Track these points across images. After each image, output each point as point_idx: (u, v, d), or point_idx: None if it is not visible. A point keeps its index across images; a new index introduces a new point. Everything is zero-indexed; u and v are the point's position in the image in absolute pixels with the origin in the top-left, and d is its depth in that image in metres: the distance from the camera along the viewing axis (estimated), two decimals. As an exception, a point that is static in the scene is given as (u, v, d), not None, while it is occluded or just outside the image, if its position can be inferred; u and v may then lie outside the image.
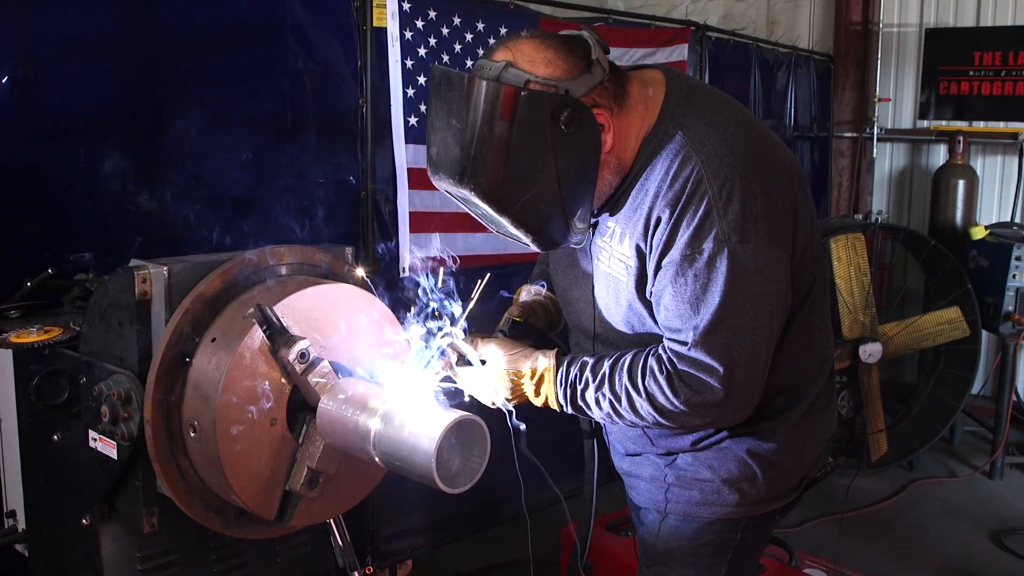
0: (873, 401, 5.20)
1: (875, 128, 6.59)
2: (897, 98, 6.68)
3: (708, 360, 1.70)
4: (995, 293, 5.27)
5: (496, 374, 1.91)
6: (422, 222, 3.67)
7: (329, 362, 1.91)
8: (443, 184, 1.76)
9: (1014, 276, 5.20)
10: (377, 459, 1.78)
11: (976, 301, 5.22)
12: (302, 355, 1.86)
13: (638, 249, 1.79)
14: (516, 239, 1.80)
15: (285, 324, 1.85)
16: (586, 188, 1.76)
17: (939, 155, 6.48)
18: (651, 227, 1.76)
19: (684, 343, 1.72)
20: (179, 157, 3.07)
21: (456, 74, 1.69)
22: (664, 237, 1.74)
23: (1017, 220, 6.07)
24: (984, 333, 5.36)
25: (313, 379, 1.88)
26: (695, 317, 1.71)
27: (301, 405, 1.92)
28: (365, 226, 3.58)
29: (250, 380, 1.84)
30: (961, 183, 6.08)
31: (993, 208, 6.35)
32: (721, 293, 1.69)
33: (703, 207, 1.70)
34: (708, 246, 1.69)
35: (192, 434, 1.86)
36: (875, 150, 6.66)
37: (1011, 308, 5.22)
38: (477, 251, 3.85)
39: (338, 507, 2.04)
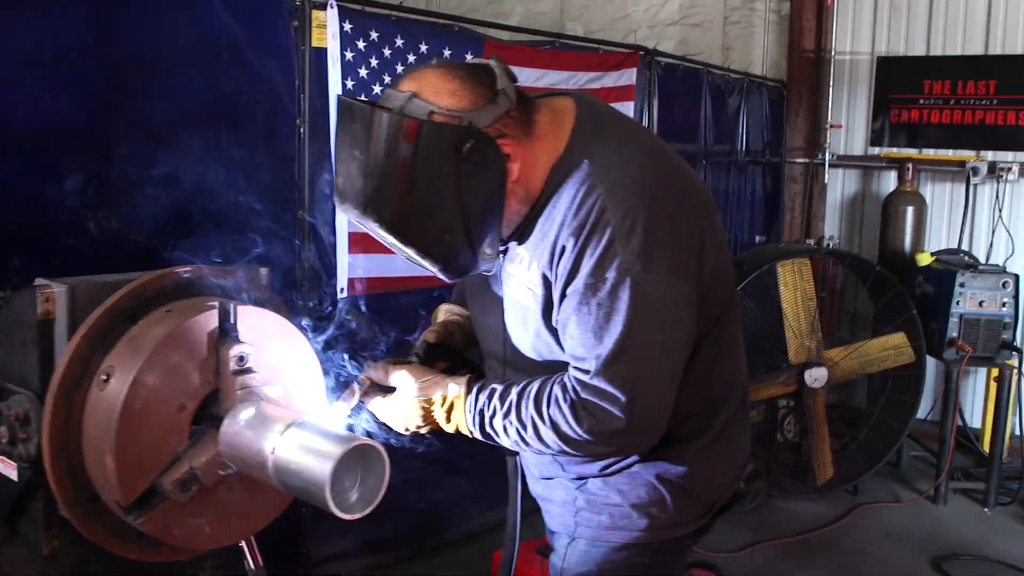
0: (819, 426, 5.22)
1: (827, 154, 6.64)
2: (849, 125, 6.74)
3: (610, 389, 1.70)
4: (940, 319, 5.32)
5: (407, 402, 1.90)
6: (362, 242, 3.66)
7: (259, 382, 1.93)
8: (349, 214, 1.75)
9: (957, 303, 5.25)
10: (274, 480, 1.76)
11: (921, 327, 5.26)
12: (241, 358, 1.89)
13: (544, 277, 1.79)
14: (425, 268, 1.80)
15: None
16: (492, 218, 1.76)
17: (890, 181, 6.54)
18: (556, 255, 1.76)
19: (587, 371, 1.72)
20: (124, 176, 3.05)
21: (359, 105, 1.69)
22: (568, 266, 1.74)
23: (964, 247, 6.14)
24: (930, 359, 5.41)
25: (239, 386, 1.88)
26: (598, 346, 1.71)
27: (213, 410, 1.91)
28: (302, 246, 3.56)
29: (184, 356, 1.85)
30: (910, 209, 6.15)
31: (942, 234, 6.41)
32: (623, 322, 1.69)
33: (606, 236, 1.70)
34: (611, 275, 1.69)
35: (103, 380, 1.84)
36: (827, 176, 6.72)
37: (955, 334, 5.26)
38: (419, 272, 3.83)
39: (237, 532, 2.01)
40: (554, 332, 1.82)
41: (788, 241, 6.72)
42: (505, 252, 1.89)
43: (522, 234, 1.84)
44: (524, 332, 1.88)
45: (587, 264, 1.71)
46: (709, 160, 5.94)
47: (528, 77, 4.31)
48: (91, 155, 3.01)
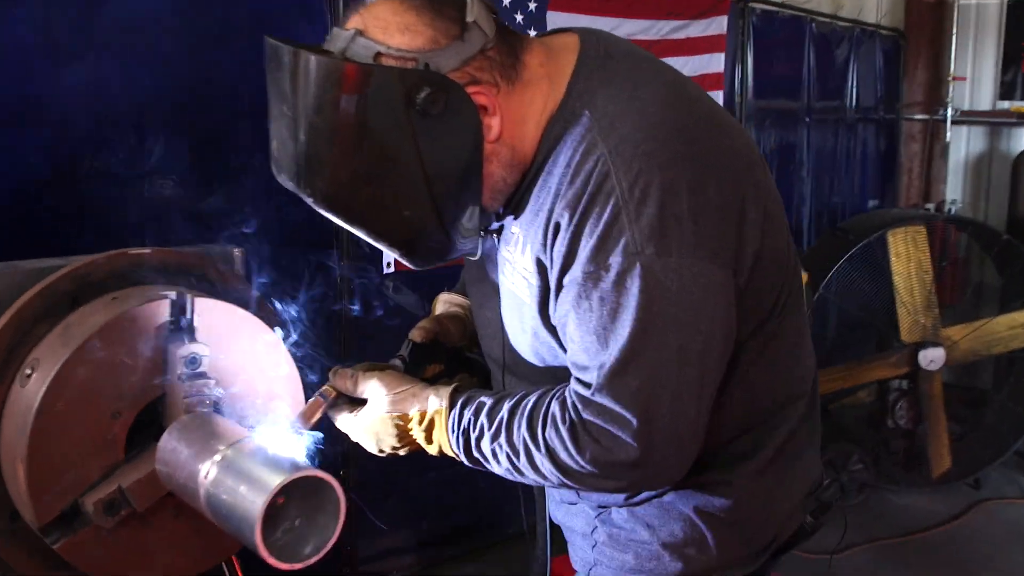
0: (935, 411, 4.68)
1: (949, 110, 6.02)
2: (975, 77, 6.10)
3: (617, 408, 1.31)
4: (1077, 293, 4.72)
5: (377, 418, 1.54)
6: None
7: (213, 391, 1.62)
8: (288, 186, 1.40)
9: (1098, 275, 4.64)
10: (207, 512, 1.45)
11: (1056, 303, 4.67)
12: (192, 360, 1.59)
13: (539, 262, 1.41)
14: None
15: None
16: (466, 188, 1.38)
17: (1021, 140, 5.90)
18: (550, 235, 1.38)
19: (589, 385, 1.34)
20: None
21: (285, 48, 1.32)
22: (564, 249, 1.35)
23: (1108, 211, 5.47)
24: (1066, 338, 4.80)
25: (186, 393, 1.58)
26: (602, 352, 1.32)
27: (155, 420, 1.62)
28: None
29: (124, 352, 1.56)
30: (1044, 170, 5.51)
31: (1082, 198, 5.73)
32: (632, 321, 1.29)
33: (609, 209, 1.30)
34: (616, 260, 1.30)
35: (26, 374, 1.58)
36: (949, 134, 6.08)
37: (1094, 311, 4.66)
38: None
39: (182, 568, 1.69)
40: (555, 332, 1.44)
41: (904, 206, 6.13)
42: (500, 231, 1.52)
43: (516, 207, 1.46)
44: (522, 331, 1.51)
45: (586, 246, 1.32)
46: (813, 118, 5.41)
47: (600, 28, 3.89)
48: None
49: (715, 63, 4.52)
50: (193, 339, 1.60)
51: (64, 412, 1.53)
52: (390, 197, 1.35)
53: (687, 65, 4.32)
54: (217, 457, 1.44)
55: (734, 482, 1.53)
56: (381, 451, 1.57)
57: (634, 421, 1.30)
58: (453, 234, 1.41)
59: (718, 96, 4.55)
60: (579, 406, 1.34)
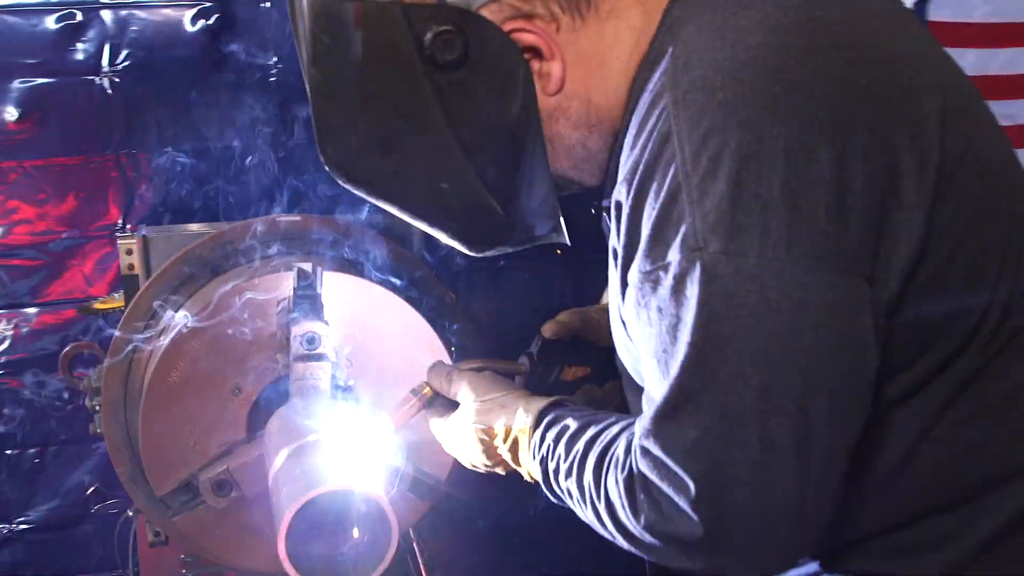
0: None
1: None
2: None
3: (670, 463, 0.97)
4: None
5: (463, 428, 1.32)
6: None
7: (335, 373, 1.50)
8: None
9: None
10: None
11: None
12: (310, 340, 1.47)
13: (613, 251, 1.10)
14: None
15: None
16: (521, 154, 1.11)
17: None
18: (613, 216, 1.06)
19: (642, 425, 1.01)
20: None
21: None
22: (624, 236, 1.02)
23: None
24: None
25: (299, 374, 1.47)
26: (661, 382, 0.99)
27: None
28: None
29: (245, 327, 1.48)
30: None
31: None
32: (687, 346, 0.94)
33: (667, 185, 0.96)
34: (675, 258, 0.95)
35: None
36: None
37: None
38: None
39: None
40: None
41: None
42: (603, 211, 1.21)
43: (613, 178, 1.15)
44: (617, 336, 1.20)
45: (645, 234, 0.98)
46: None
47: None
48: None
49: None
50: (314, 316, 1.47)
51: (178, 384, 1.48)
52: (417, 168, 1.11)
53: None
54: (284, 452, 1.30)
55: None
56: (472, 465, 1.34)
57: (692, 486, 0.95)
58: (515, 213, 1.13)
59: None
60: (637, 452, 1.02)
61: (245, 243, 1.61)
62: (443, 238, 1.21)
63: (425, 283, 1.73)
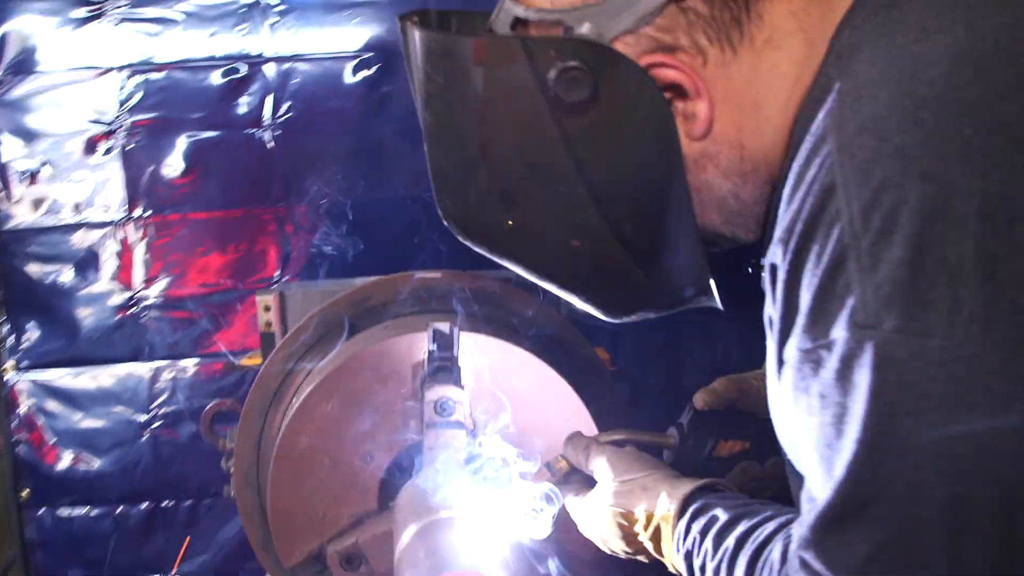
0: None
1: None
2: None
3: None
4: None
5: (600, 511, 1.18)
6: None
7: (470, 440, 1.40)
8: None
9: None
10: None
11: None
12: (444, 406, 1.38)
13: (770, 320, 0.94)
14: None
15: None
16: (663, 208, 0.97)
17: None
18: (767, 281, 0.90)
19: (800, 531, 0.84)
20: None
21: (402, 24, 1.00)
22: (781, 305, 0.86)
23: None
24: None
25: (432, 442, 1.38)
26: (826, 481, 0.82)
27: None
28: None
29: (376, 390, 1.41)
30: None
31: None
32: (856, 444, 0.77)
33: (830, 249, 0.79)
34: (840, 336, 0.78)
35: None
36: None
37: None
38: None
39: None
40: None
41: None
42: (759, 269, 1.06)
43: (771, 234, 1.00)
44: (775, 413, 1.03)
45: (804, 307, 0.82)
46: None
47: None
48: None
49: None
50: (450, 380, 1.37)
51: (307, 450, 1.40)
52: (543, 223, 0.99)
53: None
54: (412, 528, 1.20)
55: None
56: (611, 550, 1.20)
57: None
58: (657, 274, 1.00)
59: None
60: (796, 563, 0.85)
61: (381, 300, 1.53)
62: (575, 302, 1.09)
63: (571, 342, 1.61)
